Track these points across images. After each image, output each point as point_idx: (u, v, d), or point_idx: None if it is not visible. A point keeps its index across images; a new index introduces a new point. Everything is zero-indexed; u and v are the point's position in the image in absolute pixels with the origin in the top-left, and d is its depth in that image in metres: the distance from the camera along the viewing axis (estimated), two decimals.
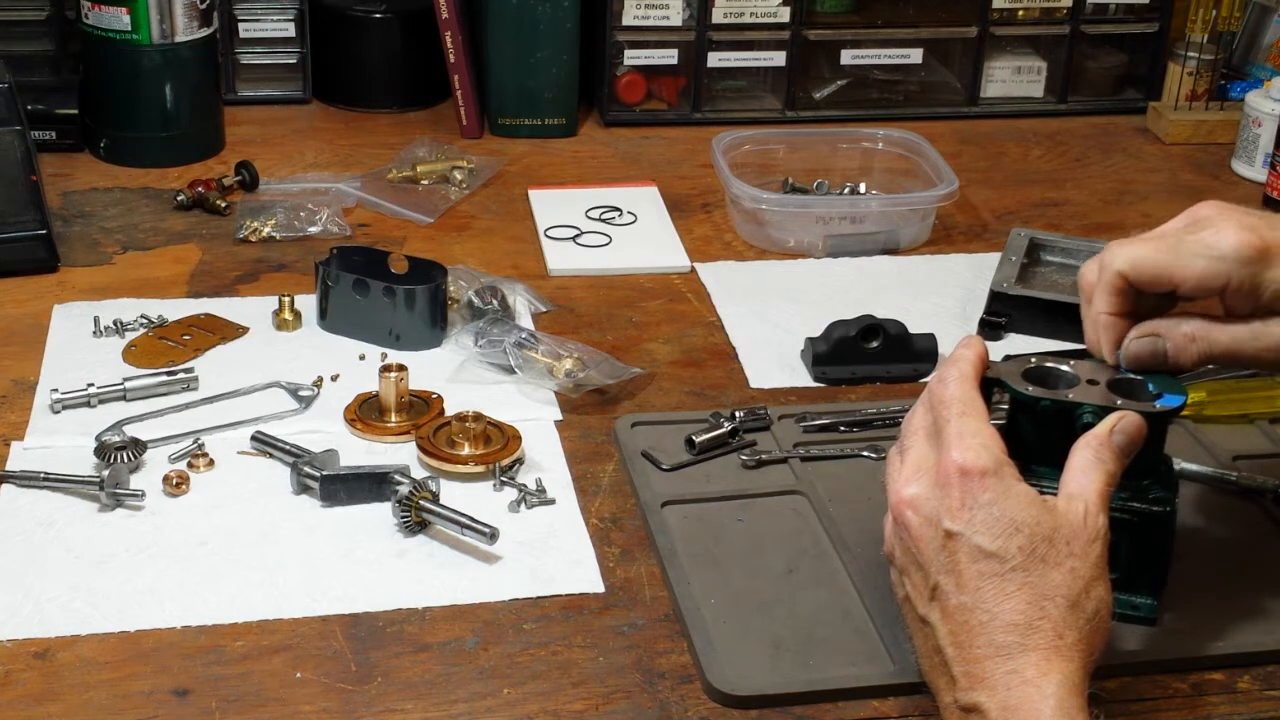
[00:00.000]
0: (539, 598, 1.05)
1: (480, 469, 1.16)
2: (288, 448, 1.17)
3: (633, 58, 1.84)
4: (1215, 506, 1.15)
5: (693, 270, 1.50)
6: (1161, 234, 1.00)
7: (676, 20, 1.83)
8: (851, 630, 1.02)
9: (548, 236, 1.56)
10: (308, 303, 1.37)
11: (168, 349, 1.31)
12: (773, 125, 1.83)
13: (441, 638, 1.01)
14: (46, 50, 1.78)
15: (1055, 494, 0.92)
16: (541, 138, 1.81)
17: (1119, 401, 0.97)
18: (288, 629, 1.01)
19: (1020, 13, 1.91)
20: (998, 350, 1.30)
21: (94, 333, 1.33)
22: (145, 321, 1.35)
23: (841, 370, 1.32)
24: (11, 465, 1.16)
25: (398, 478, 1.12)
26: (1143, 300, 0.99)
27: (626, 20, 1.81)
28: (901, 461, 0.95)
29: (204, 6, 1.66)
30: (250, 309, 1.39)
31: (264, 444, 1.18)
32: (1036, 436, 0.99)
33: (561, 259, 1.51)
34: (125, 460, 1.15)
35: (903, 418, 0.99)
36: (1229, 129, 1.84)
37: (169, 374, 1.26)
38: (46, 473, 1.13)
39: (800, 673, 0.98)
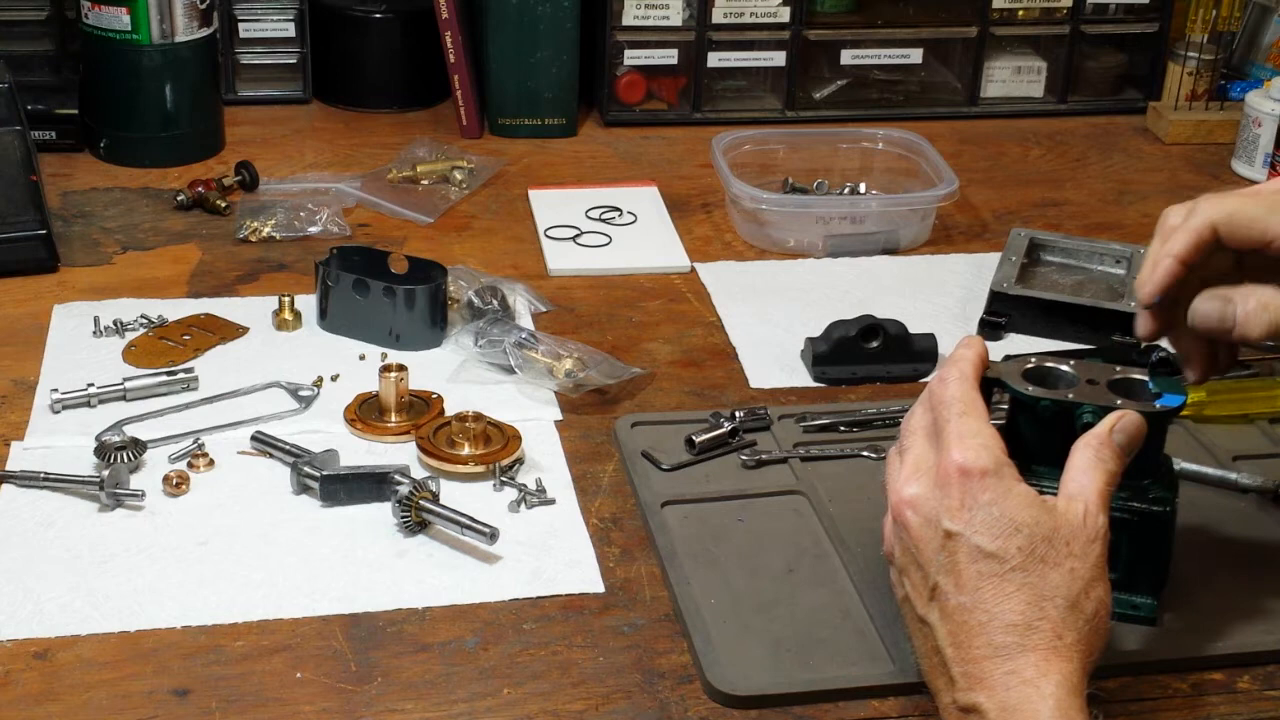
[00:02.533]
0: (539, 598, 1.05)
1: (480, 469, 1.16)
2: (288, 448, 1.17)
3: (633, 58, 1.84)
4: (1215, 506, 1.15)
5: (693, 270, 1.50)
6: (1256, 191, 0.98)
7: (676, 20, 1.83)
8: (851, 630, 1.02)
9: (548, 236, 1.56)
10: (308, 303, 1.37)
11: (168, 349, 1.31)
12: (773, 125, 1.83)
13: (441, 638, 1.01)
14: (46, 50, 1.78)
15: (1055, 494, 0.92)
16: (541, 138, 1.81)
17: (1119, 401, 0.97)
18: (288, 629, 1.01)
19: (1020, 13, 1.91)
20: (998, 350, 1.30)
21: (94, 333, 1.33)
22: (145, 321, 1.35)
23: (841, 370, 1.32)
24: (11, 465, 1.16)
25: (398, 478, 1.12)
26: (1211, 264, 0.98)
27: (626, 20, 1.81)
28: (901, 461, 0.95)
29: (204, 6, 1.66)
30: (250, 309, 1.39)
31: (264, 444, 1.18)
32: (1036, 436, 0.99)
33: (561, 259, 1.51)
34: (125, 460, 1.15)
35: (903, 418, 0.99)
36: (1229, 129, 1.84)
37: (169, 374, 1.26)
38: (46, 473, 1.13)
39: (800, 673, 0.98)
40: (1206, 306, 0.97)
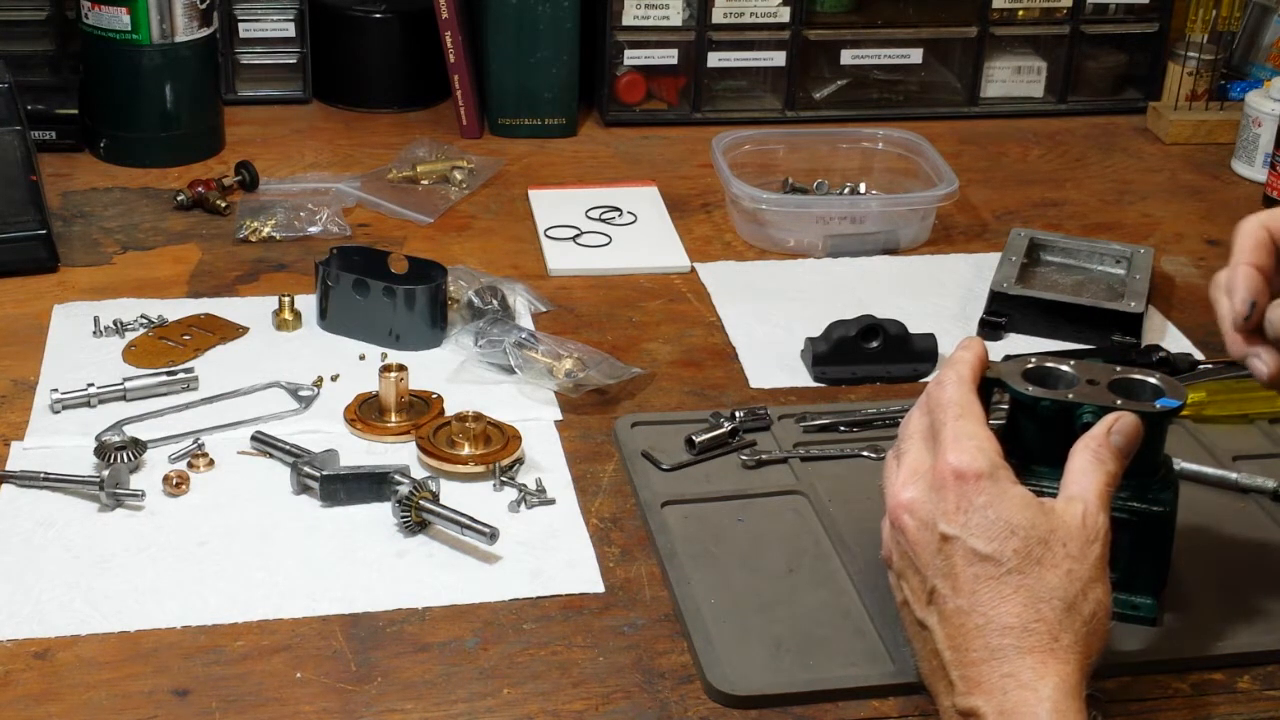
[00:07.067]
0: (539, 598, 1.05)
1: (480, 469, 1.16)
2: (288, 448, 1.17)
3: (633, 58, 1.84)
4: (1215, 506, 1.15)
5: (693, 270, 1.50)
6: None
7: (676, 20, 1.83)
8: (851, 630, 1.02)
9: (548, 236, 1.56)
10: (308, 303, 1.37)
11: (168, 349, 1.31)
12: (773, 125, 1.83)
13: (441, 638, 1.01)
14: (46, 50, 1.78)
15: (1055, 494, 0.92)
16: (541, 138, 1.81)
17: (1118, 402, 0.97)
18: (288, 629, 1.01)
19: (1020, 13, 1.91)
20: (998, 350, 1.30)
21: (94, 333, 1.33)
22: (145, 321, 1.35)
23: (841, 370, 1.32)
24: (11, 465, 1.16)
25: (398, 478, 1.12)
26: None
27: (626, 20, 1.81)
28: (898, 465, 0.95)
29: (204, 6, 1.66)
30: (250, 309, 1.39)
31: (264, 444, 1.18)
32: (1036, 436, 0.99)
33: (561, 259, 1.51)
34: (125, 460, 1.15)
35: (903, 418, 0.99)
36: (1229, 129, 1.84)
37: (169, 374, 1.26)
38: (46, 473, 1.13)
39: (800, 673, 0.98)
40: (1276, 314, 0.97)
